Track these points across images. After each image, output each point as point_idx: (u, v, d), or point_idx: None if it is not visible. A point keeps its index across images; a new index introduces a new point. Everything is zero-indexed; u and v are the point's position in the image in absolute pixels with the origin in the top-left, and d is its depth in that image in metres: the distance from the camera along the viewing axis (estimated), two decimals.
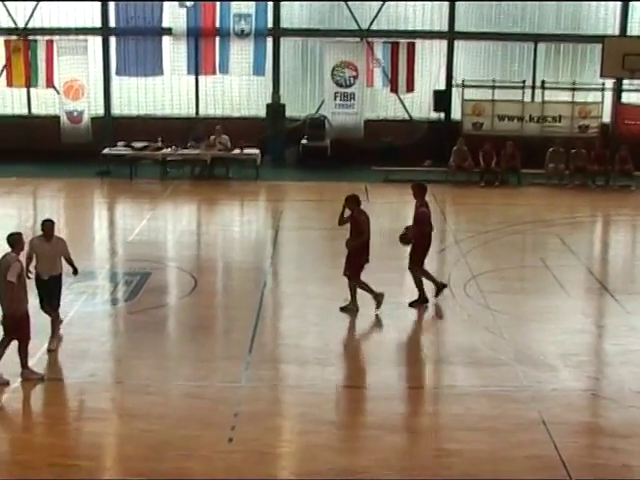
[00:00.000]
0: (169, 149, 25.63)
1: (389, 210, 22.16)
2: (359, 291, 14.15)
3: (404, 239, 14.68)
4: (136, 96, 28.52)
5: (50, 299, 12.42)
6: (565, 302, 15.02)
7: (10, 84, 27.91)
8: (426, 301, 14.58)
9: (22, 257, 11.58)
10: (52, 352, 12.24)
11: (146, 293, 14.94)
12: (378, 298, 14.14)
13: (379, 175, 25.21)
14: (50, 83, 27.76)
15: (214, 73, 27.89)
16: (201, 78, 28.18)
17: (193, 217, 22.56)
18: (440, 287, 14.85)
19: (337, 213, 14.36)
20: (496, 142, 25.57)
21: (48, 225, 12.36)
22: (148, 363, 12.13)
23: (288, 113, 27.80)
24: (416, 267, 14.61)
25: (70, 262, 12.60)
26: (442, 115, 27.42)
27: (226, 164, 26.00)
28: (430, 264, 14.93)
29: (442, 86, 27.62)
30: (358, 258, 13.96)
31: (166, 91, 28.42)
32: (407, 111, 28.24)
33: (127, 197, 23.77)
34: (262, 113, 27.95)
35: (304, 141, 27.21)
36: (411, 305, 14.48)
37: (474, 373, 11.95)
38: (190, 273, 16.32)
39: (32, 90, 28.23)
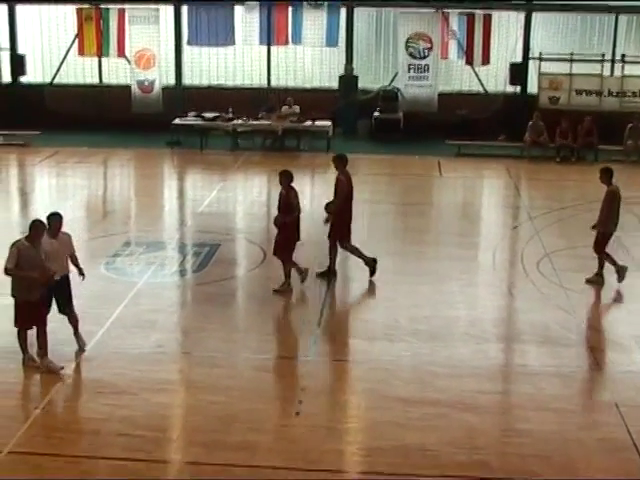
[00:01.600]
0: (240, 120, 25.59)
1: (462, 185, 21.87)
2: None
3: (327, 212, 14.34)
4: (207, 66, 28.50)
5: (66, 299, 11.32)
6: None
7: (82, 53, 28.13)
8: (334, 274, 14.34)
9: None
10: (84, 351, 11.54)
11: (215, 264, 14.93)
12: (303, 275, 13.90)
13: (452, 149, 24.89)
14: (121, 52, 27.92)
15: (286, 43, 27.72)
16: (273, 48, 28.03)
17: (263, 189, 22.47)
18: (371, 263, 14.43)
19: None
20: (573, 117, 24.95)
21: (56, 220, 11.08)
22: (216, 335, 12.12)
23: (361, 85, 27.56)
24: (337, 241, 14.32)
25: (75, 261, 11.44)
26: (518, 88, 27.01)
27: (297, 136, 25.88)
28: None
29: (519, 59, 27.09)
30: (289, 237, 13.66)
31: (238, 61, 28.35)
32: (482, 84, 27.78)
33: (197, 168, 23.81)
34: (334, 84, 27.74)
35: (376, 113, 26.92)
36: (320, 275, 14.27)
37: (546, 352, 11.74)
38: (259, 245, 16.26)
39: (103, 59, 28.44)
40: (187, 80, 28.51)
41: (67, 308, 11.29)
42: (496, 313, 13.43)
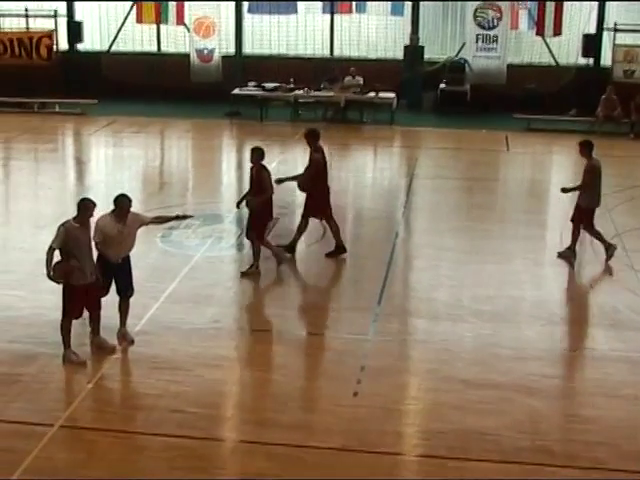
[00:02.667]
0: (301, 91, 25.41)
1: (531, 161, 21.49)
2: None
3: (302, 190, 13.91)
4: (268, 35, 28.23)
5: (128, 282, 10.78)
6: None
7: (140, 21, 28.06)
8: (292, 251, 13.90)
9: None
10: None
11: (273, 239, 14.74)
12: (279, 257, 13.44)
13: (521, 123, 24.46)
14: (180, 20, 27.80)
15: (350, 12, 27.43)
16: (337, 17, 27.74)
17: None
18: (339, 249, 14.02)
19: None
20: None
21: (124, 202, 10.41)
22: (273, 311, 12.01)
23: (426, 56, 27.15)
24: (309, 217, 13.96)
25: (161, 219, 11.30)
26: (591, 61, 26.46)
27: (360, 107, 25.61)
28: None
29: (592, 30, 26.47)
30: (261, 218, 13.13)
31: (300, 30, 28.05)
32: (553, 56, 27.19)
33: (256, 139, 23.57)
34: (399, 55, 27.35)
35: (442, 85, 26.63)
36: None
37: (615, 336, 11.42)
38: (319, 220, 15.99)
39: (162, 27, 28.36)
40: (247, 49, 28.32)
41: (128, 291, 10.76)
42: (563, 294, 13.12)
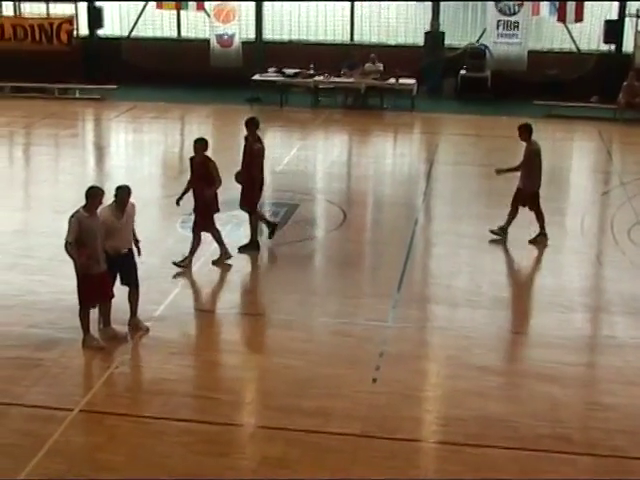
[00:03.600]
0: (321, 77, 25.29)
1: (551, 148, 21.29)
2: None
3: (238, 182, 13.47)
4: (289, 20, 28.12)
5: (132, 274, 10.68)
6: None
7: (160, 6, 28.04)
8: (258, 247, 13.54)
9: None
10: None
11: (293, 225, 14.77)
12: (223, 254, 12.96)
13: (541, 110, 24.23)
14: (200, 6, 27.76)
15: None
16: (357, 3, 27.59)
17: (344, 148, 22.23)
18: (273, 227, 13.79)
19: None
20: None
21: (124, 193, 10.35)
22: (292, 297, 11.97)
23: (447, 42, 27.02)
24: (255, 208, 13.59)
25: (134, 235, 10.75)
26: (613, 47, 26.13)
27: (380, 94, 25.50)
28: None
29: (614, 16, 26.13)
30: (209, 208, 12.71)
31: (320, 16, 27.92)
32: (575, 42, 26.96)
33: (277, 125, 23.60)
34: (420, 41, 27.24)
35: (463, 71, 26.48)
36: (241, 250, 13.40)
37: (635, 324, 11.38)
38: (339, 206, 16.05)
39: (182, 13, 28.30)
40: (267, 35, 28.21)
41: (134, 282, 10.69)
42: (583, 282, 13.03)
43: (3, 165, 19.56)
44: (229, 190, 13.46)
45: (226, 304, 11.64)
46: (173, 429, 8.71)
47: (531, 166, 13.88)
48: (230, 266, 12.88)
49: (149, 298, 11.11)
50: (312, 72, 25.41)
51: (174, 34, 28.72)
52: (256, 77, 25.48)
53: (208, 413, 8.99)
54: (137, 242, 10.76)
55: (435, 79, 26.67)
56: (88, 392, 9.35)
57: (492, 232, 14.07)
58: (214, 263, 12.91)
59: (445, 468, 8.22)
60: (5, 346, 10.31)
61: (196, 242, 12.76)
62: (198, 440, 8.49)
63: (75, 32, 27.79)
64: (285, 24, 28.16)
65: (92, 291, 10.11)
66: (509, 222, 14.07)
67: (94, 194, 9.99)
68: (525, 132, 14.00)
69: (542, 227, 14.05)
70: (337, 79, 25.31)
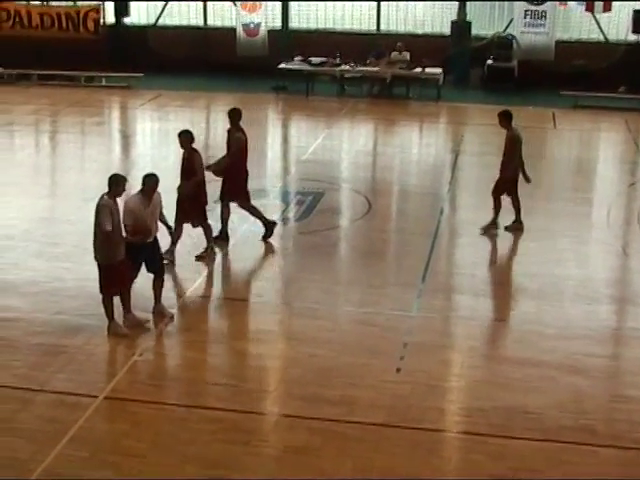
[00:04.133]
0: (347, 66, 25.21)
1: (577, 138, 21.19)
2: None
3: (216, 172, 13.08)
4: (315, 9, 28.00)
5: (157, 262, 10.74)
6: None
7: None
8: (226, 239, 13.17)
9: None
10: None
11: (318, 214, 14.74)
12: (210, 246, 12.72)
13: (568, 100, 24.05)
14: None
15: None
16: None
17: (370, 137, 22.18)
18: (270, 225, 13.47)
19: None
20: None
21: (152, 182, 10.35)
22: (317, 286, 11.94)
23: (474, 31, 26.76)
24: (229, 202, 13.23)
25: (163, 218, 10.81)
26: None
27: (406, 83, 25.37)
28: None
29: None
30: (196, 202, 12.37)
31: (346, 4, 27.79)
32: (603, 32, 26.66)
33: (302, 114, 23.56)
34: (446, 31, 27.02)
35: (490, 61, 26.23)
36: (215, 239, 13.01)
37: None
38: (364, 195, 16.01)
39: (208, 1, 28.21)
40: (294, 23, 28.12)
41: (159, 270, 10.71)
42: (608, 273, 12.93)
43: (30, 152, 19.68)
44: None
45: (250, 292, 11.67)
46: (196, 416, 8.74)
47: (512, 153, 13.72)
48: (257, 254, 12.89)
49: (173, 286, 11.16)
50: (338, 61, 25.32)
51: (200, 23, 28.68)
52: (282, 66, 25.43)
53: (232, 401, 9.00)
54: (169, 228, 10.92)
55: (462, 69, 26.49)
56: (112, 379, 9.39)
57: (506, 229, 13.97)
58: (197, 258, 12.57)
59: (469, 457, 8.20)
60: (31, 332, 10.37)
61: (208, 231, 12.64)
62: (222, 428, 8.51)
63: (102, 20, 27.83)
64: (311, 13, 28.04)
65: (113, 279, 10.13)
66: (497, 214, 13.95)
67: (117, 181, 10.01)
68: (505, 119, 13.87)
69: (518, 214, 13.91)
70: (363, 68, 25.19)
